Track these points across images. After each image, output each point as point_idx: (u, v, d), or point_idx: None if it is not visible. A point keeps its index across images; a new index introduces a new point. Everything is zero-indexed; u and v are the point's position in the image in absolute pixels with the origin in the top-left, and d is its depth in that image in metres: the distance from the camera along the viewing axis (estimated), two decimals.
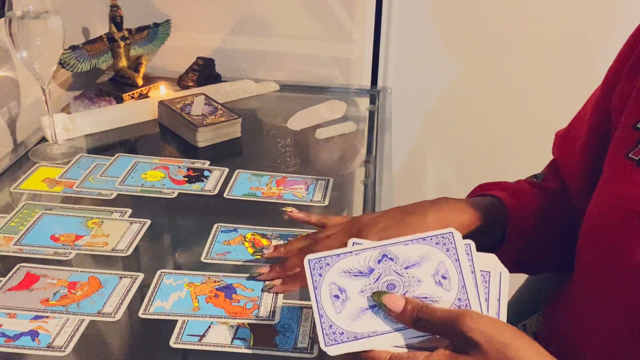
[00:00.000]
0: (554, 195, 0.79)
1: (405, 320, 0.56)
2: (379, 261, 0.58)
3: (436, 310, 0.55)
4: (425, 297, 0.57)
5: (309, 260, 0.58)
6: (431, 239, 0.58)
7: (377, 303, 0.57)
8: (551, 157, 0.84)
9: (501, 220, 0.75)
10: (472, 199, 0.78)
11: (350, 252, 0.58)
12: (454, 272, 0.57)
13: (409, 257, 0.58)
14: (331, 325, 0.56)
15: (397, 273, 0.57)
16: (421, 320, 0.55)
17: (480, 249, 0.59)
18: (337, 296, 0.57)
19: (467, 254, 0.58)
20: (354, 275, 0.58)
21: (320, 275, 0.57)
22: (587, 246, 0.67)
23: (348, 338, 0.56)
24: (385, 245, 0.58)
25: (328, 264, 0.58)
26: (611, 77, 0.71)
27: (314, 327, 0.60)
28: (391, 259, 0.58)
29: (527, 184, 0.81)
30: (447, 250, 0.58)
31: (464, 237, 0.59)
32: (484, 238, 0.73)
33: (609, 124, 0.70)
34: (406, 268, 0.57)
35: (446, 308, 0.56)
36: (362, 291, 0.57)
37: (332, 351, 0.56)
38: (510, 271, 0.60)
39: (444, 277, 0.57)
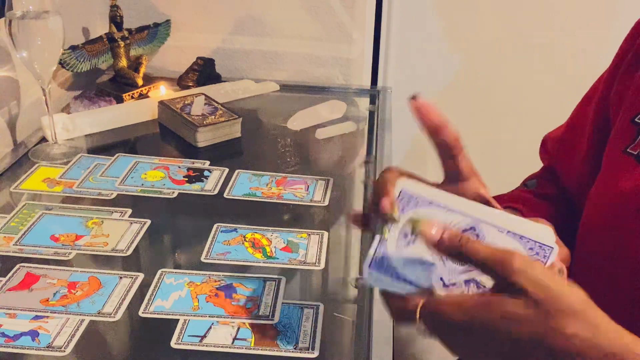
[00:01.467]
0: (554, 201, 0.78)
1: (442, 251, 0.51)
2: (465, 231, 0.53)
3: (479, 248, 0.49)
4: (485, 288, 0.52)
5: (402, 189, 0.54)
6: (528, 242, 0.52)
7: (412, 229, 0.51)
8: None
9: None
10: None
11: (444, 206, 0.53)
12: None
13: (495, 244, 0.51)
14: (383, 257, 0.53)
15: None
16: (460, 255, 0.50)
17: None
18: (406, 235, 0.54)
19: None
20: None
21: (403, 210, 0.54)
22: (586, 243, 0.67)
23: (392, 275, 0.53)
24: (480, 220, 0.52)
25: (417, 204, 0.54)
26: (610, 73, 0.71)
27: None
28: (477, 235, 0.52)
29: (528, 193, 0.80)
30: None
31: None
32: None
33: (610, 120, 0.70)
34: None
35: (491, 246, 0.49)
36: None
37: (371, 277, 0.54)
38: None
39: None
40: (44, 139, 1.09)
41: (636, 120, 0.64)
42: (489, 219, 0.52)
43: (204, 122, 1.10)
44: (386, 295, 0.54)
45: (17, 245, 0.81)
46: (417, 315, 0.51)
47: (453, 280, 0.52)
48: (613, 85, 0.70)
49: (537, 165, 0.87)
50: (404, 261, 0.53)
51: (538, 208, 0.76)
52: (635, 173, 0.61)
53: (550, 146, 0.82)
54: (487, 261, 0.48)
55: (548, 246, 0.51)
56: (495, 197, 0.79)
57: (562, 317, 0.45)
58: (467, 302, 0.49)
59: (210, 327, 0.69)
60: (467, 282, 0.52)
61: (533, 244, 0.51)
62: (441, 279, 0.52)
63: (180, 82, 1.34)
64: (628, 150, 0.63)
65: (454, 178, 0.58)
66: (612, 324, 0.47)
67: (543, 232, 0.52)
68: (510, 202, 0.76)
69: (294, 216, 0.93)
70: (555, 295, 0.46)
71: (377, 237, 0.54)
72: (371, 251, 0.54)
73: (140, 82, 1.28)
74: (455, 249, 0.50)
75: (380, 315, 0.72)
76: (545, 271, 0.47)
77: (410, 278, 0.53)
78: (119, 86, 1.28)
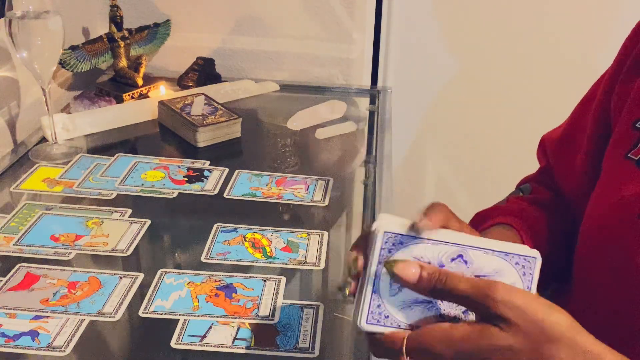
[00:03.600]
0: (548, 208, 0.77)
1: (423, 290, 0.50)
2: (453, 259, 0.53)
3: (460, 281, 0.49)
4: None
5: (385, 231, 0.53)
6: (512, 257, 0.53)
7: (389, 273, 0.52)
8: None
9: None
10: (489, 232, 0.74)
11: (429, 240, 0.53)
12: None
13: (484, 266, 0.53)
14: (379, 305, 0.53)
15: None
16: (442, 291, 0.50)
17: None
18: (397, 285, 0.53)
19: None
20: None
21: (390, 252, 0.53)
22: (586, 248, 0.67)
23: (391, 324, 0.53)
24: (465, 246, 0.53)
25: (402, 243, 0.53)
26: (610, 77, 0.71)
27: (356, 301, 0.55)
28: (465, 261, 0.53)
29: (522, 201, 0.79)
30: (524, 274, 0.53)
31: None
32: None
33: (610, 124, 0.69)
34: (476, 276, 0.53)
35: (472, 278, 0.51)
36: None
37: (367, 329, 0.53)
38: None
39: None
40: (44, 139, 1.09)
41: (637, 125, 0.63)
42: (474, 244, 0.53)
43: (204, 122, 1.10)
44: (369, 333, 0.53)
45: (17, 245, 0.81)
46: (404, 351, 0.50)
47: (453, 313, 0.53)
48: (613, 88, 0.69)
49: (535, 164, 0.87)
50: (400, 306, 0.53)
51: (532, 219, 0.75)
52: (637, 178, 0.61)
53: (548, 147, 0.82)
54: (469, 295, 0.48)
55: (531, 257, 0.53)
56: (490, 209, 0.78)
57: (550, 344, 0.46)
58: (453, 334, 0.48)
59: (210, 327, 0.69)
60: (465, 312, 0.53)
61: (518, 258, 0.53)
62: (441, 315, 0.53)
63: (180, 82, 1.34)
64: (629, 155, 0.63)
65: None
66: (601, 347, 0.47)
67: (526, 250, 0.54)
68: (505, 216, 0.75)
69: (294, 216, 0.93)
70: (542, 323, 0.46)
71: (367, 288, 0.53)
72: (364, 306, 0.53)
73: (140, 82, 1.28)
74: (435, 286, 0.50)
75: None
76: (528, 298, 0.48)
77: (408, 322, 0.53)
78: (119, 86, 1.28)
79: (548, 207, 0.77)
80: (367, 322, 0.53)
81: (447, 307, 0.53)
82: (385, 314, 0.53)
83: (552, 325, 0.46)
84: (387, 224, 0.53)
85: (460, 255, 0.53)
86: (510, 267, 0.53)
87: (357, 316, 0.53)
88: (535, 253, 0.53)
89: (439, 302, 0.53)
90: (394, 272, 0.51)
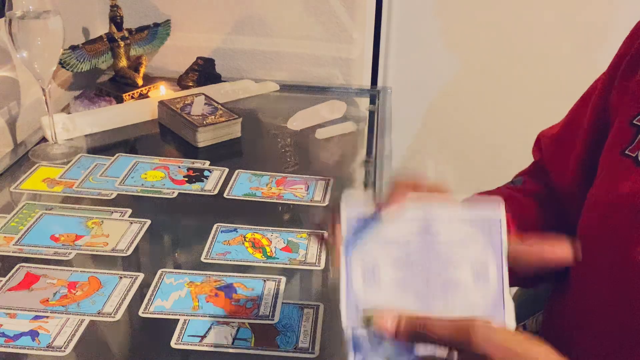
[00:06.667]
0: (539, 199, 0.77)
1: (405, 339, 0.50)
2: (419, 234, 0.54)
3: (439, 326, 0.49)
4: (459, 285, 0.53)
5: (348, 218, 0.54)
6: (477, 224, 0.53)
7: (367, 326, 0.52)
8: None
9: None
10: None
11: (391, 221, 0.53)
12: (494, 269, 0.53)
13: (452, 236, 0.53)
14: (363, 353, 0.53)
15: (435, 250, 0.53)
16: (422, 337, 0.50)
17: None
18: (369, 270, 0.54)
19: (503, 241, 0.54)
20: (390, 245, 0.54)
21: (356, 238, 0.54)
22: (585, 245, 0.67)
23: None
24: (430, 219, 0.54)
25: (366, 227, 0.54)
26: (609, 74, 0.71)
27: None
28: (432, 234, 0.53)
29: (514, 191, 0.79)
30: (491, 239, 0.53)
31: None
32: None
33: (609, 122, 0.69)
34: (446, 244, 0.53)
35: (449, 319, 0.50)
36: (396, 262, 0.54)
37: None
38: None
39: (481, 273, 0.53)
40: (44, 139, 1.09)
41: (634, 122, 0.63)
42: (436, 216, 0.54)
43: (204, 122, 1.10)
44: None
45: (17, 245, 0.82)
46: None
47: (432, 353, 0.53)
48: (612, 87, 0.69)
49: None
50: (386, 348, 0.52)
51: (520, 205, 0.75)
52: (634, 175, 0.61)
53: (544, 144, 0.82)
54: (449, 337, 0.49)
55: (495, 219, 0.53)
56: (480, 194, 0.79)
57: None
58: None
59: (210, 327, 0.69)
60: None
61: (482, 223, 0.53)
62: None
63: (180, 82, 1.34)
64: (626, 152, 0.63)
65: None
66: None
67: (488, 212, 0.54)
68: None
69: (294, 216, 0.93)
70: (522, 357, 0.47)
71: (349, 335, 0.53)
72: (342, 306, 0.53)
73: (140, 82, 1.28)
74: (415, 335, 0.50)
75: None
76: (507, 335, 0.48)
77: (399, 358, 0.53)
78: (119, 86, 1.28)
79: (537, 197, 0.77)
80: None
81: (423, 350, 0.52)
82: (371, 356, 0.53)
83: (533, 358, 0.47)
84: (351, 210, 0.54)
85: (427, 228, 0.54)
86: (477, 234, 0.53)
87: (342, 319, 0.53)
88: (499, 215, 0.53)
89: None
90: (372, 325, 0.51)
